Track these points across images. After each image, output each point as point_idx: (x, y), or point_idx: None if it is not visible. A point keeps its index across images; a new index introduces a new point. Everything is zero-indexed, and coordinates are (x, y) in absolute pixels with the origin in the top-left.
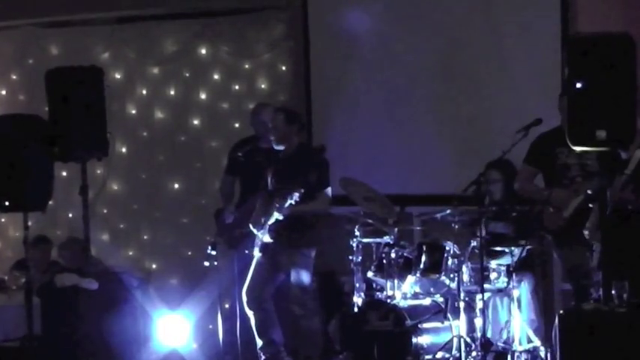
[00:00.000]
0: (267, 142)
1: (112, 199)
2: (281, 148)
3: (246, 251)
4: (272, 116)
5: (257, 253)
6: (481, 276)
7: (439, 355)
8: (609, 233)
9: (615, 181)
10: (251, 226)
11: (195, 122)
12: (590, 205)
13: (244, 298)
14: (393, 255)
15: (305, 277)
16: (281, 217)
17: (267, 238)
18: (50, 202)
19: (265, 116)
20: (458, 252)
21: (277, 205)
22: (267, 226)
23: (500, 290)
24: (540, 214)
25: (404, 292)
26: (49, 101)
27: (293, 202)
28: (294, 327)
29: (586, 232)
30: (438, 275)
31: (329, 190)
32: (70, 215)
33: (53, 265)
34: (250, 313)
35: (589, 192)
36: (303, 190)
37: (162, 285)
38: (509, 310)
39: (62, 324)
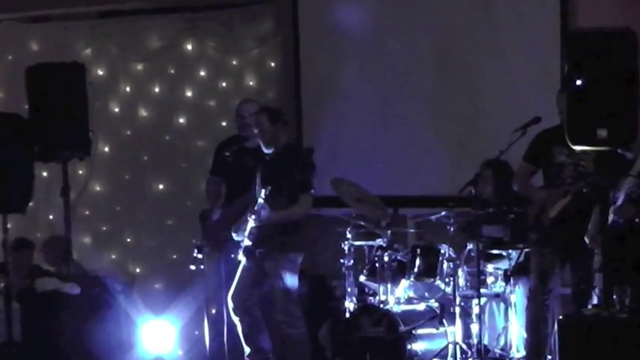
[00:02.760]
0: (254, 141)
1: (95, 201)
2: (270, 150)
3: (232, 255)
4: (256, 119)
5: (242, 258)
6: (477, 280)
7: None
8: (611, 236)
9: (619, 183)
10: (232, 232)
11: (181, 121)
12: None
13: (230, 305)
14: (386, 258)
15: (290, 282)
16: (255, 223)
17: (247, 242)
18: (30, 204)
19: (245, 112)
20: (453, 255)
21: (252, 209)
22: (248, 230)
23: (497, 295)
24: (539, 217)
25: (397, 296)
26: (29, 99)
27: (262, 200)
28: (278, 334)
29: (586, 239)
30: (432, 279)
31: (312, 192)
32: (51, 217)
33: (34, 269)
34: (237, 320)
35: (584, 190)
36: (270, 188)
37: (147, 289)
38: (507, 316)
39: (43, 330)
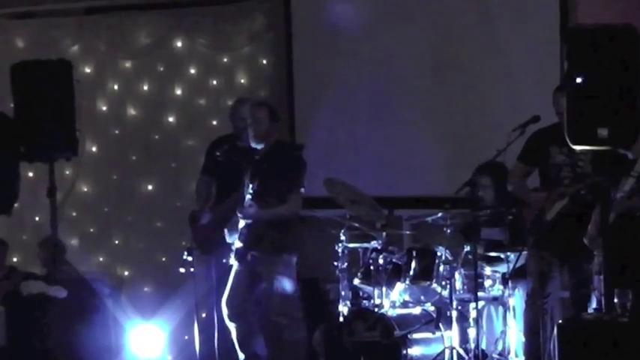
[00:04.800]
0: (247, 140)
1: (82, 202)
2: (260, 145)
3: (224, 260)
4: (253, 110)
5: (234, 261)
6: (475, 283)
7: None
8: (612, 238)
9: (621, 183)
10: (225, 232)
11: (170, 119)
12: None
13: (225, 310)
14: (381, 261)
15: (288, 284)
16: (247, 220)
17: (238, 243)
18: (16, 205)
19: (246, 112)
20: (450, 258)
21: (239, 207)
22: (238, 231)
23: (495, 299)
24: (536, 219)
25: (392, 300)
26: (15, 97)
27: (249, 195)
28: (277, 338)
29: (585, 240)
30: (428, 282)
31: (302, 191)
32: (37, 219)
33: (13, 271)
34: (232, 326)
35: (582, 192)
36: (257, 182)
37: (135, 293)
38: (505, 320)
39: (29, 334)
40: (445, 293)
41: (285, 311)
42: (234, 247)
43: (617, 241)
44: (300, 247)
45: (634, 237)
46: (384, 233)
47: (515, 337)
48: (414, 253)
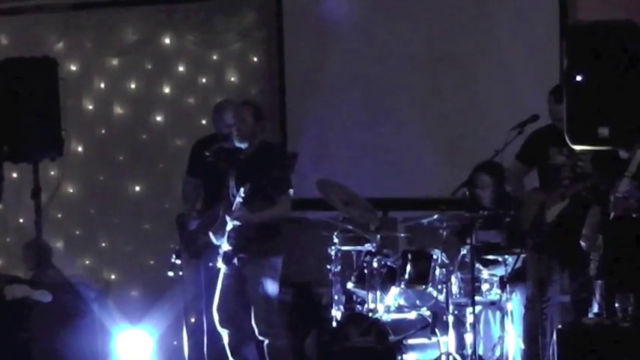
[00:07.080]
0: (232, 141)
1: (67, 203)
2: (244, 145)
3: (210, 264)
4: (237, 109)
5: (221, 265)
6: (472, 287)
7: None
8: (611, 240)
9: (617, 183)
10: (211, 235)
11: (158, 119)
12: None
13: (216, 317)
14: (375, 264)
15: (271, 288)
16: (237, 222)
17: (226, 246)
18: None
19: (229, 116)
20: (446, 261)
21: (228, 209)
22: (226, 234)
23: (492, 303)
24: (536, 221)
25: (387, 304)
26: None
27: (240, 199)
28: (258, 345)
29: (583, 243)
30: (424, 286)
31: (290, 192)
32: (21, 220)
33: None
34: (224, 332)
35: (583, 193)
36: (249, 185)
37: (122, 297)
38: (503, 325)
39: (12, 340)
40: (441, 297)
41: (264, 317)
42: (221, 250)
43: (614, 242)
44: (286, 250)
45: (630, 238)
46: (379, 236)
47: (513, 342)
48: (409, 256)
